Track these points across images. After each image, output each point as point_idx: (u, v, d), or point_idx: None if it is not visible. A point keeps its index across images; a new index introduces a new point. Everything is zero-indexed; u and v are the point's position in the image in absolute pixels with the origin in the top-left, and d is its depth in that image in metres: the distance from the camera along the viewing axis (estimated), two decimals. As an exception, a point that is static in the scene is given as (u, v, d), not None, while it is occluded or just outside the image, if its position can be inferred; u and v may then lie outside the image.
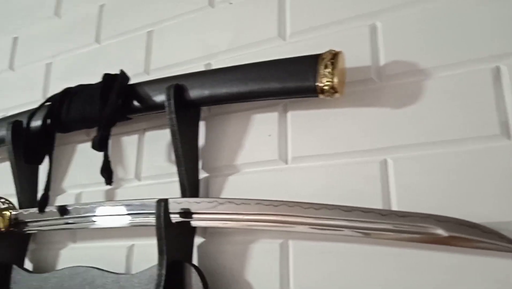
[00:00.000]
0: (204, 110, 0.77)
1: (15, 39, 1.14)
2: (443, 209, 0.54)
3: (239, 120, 0.74)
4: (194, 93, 0.70)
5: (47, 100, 0.86)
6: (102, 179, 0.86)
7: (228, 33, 0.80)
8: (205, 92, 0.69)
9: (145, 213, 0.71)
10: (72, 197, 0.89)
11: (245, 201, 0.63)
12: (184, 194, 0.71)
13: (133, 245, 0.79)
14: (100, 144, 0.71)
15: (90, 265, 0.76)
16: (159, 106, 0.73)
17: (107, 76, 0.78)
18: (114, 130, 0.85)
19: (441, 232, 0.52)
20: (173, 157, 0.79)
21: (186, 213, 0.68)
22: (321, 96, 0.61)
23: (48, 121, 0.83)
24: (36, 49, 1.08)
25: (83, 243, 0.86)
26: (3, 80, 1.12)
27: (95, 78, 0.84)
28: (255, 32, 0.77)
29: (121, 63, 0.85)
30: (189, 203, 0.68)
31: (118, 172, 0.86)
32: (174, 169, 0.78)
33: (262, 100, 0.67)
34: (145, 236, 0.78)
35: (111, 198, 0.85)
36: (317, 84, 0.60)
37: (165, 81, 0.75)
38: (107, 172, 0.72)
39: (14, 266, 0.83)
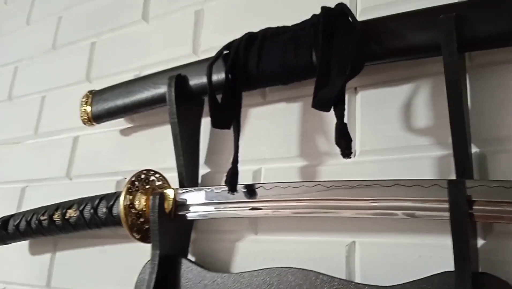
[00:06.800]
0: (461, 60, 0.55)
1: (149, -14, 0.95)
2: None
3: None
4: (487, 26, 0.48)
5: (225, 48, 0.66)
6: (289, 153, 0.67)
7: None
8: None
9: (410, 200, 0.49)
10: (248, 175, 0.69)
11: None
12: (462, 175, 0.49)
13: (353, 242, 0.59)
14: (338, 100, 0.50)
15: (298, 267, 0.56)
16: (421, 48, 0.52)
17: (327, 11, 0.56)
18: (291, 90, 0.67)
19: None
20: (413, 123, 0.58)
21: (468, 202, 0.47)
22: None
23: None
24: (180, -6, 0.89)
25: (267, 235, 0.66)
26: (136, 34, 0.94)
27: (263, 25, 0.64)
28: None
29: (307, 5, 0.63)
30: (489, 188, 0.45)
31: (316, 144, 0.65)
32: (414, 141, 0.58)
33: None
34: (369, 230, 0.58)
35: (309, 178, 0.64)
36: None
37: (418, 14, 0.53)
38: (345, 140, 0.50)
39: (183, 260, 0.65)
